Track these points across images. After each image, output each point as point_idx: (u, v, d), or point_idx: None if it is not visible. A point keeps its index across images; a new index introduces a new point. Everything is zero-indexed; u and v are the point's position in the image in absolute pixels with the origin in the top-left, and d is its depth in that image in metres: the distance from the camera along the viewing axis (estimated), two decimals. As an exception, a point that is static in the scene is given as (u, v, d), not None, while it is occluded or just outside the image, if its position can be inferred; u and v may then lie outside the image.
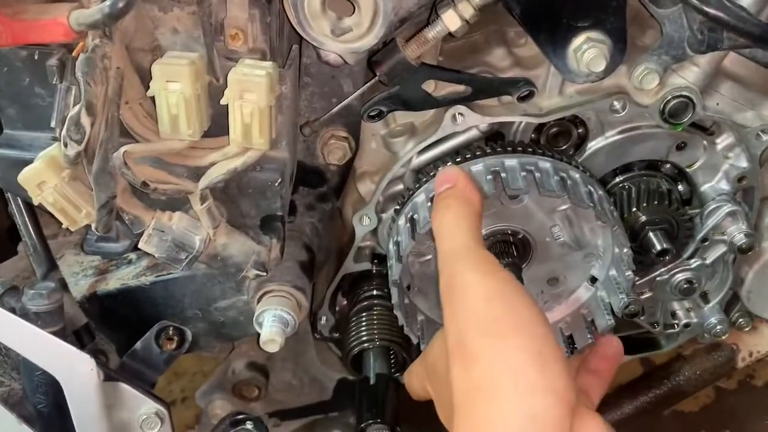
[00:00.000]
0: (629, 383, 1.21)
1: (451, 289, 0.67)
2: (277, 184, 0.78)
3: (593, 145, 0.93)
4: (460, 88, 0.85)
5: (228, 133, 0.72)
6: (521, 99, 0.87)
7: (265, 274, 0.81)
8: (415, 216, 0.86)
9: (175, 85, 0.68)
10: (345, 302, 1.08)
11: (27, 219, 0.84)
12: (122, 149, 0.67)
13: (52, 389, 0.80)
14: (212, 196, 0.77)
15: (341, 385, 1.16)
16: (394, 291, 0.89)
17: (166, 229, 0.74)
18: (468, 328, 0.63)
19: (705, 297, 1.05)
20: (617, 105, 0.89)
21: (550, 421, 0.57)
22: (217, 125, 0.74)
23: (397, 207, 0.93)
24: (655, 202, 0.94)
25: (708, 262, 1.00)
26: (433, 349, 0.75)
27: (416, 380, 0.80)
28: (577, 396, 0.60)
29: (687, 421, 1.74)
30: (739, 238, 0.94)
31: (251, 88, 0.68)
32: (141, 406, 0.82)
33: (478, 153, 0.85)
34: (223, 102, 0.70)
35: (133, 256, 0.93)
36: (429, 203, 0.85)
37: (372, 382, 0.92)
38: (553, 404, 0.58)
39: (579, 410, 0.60)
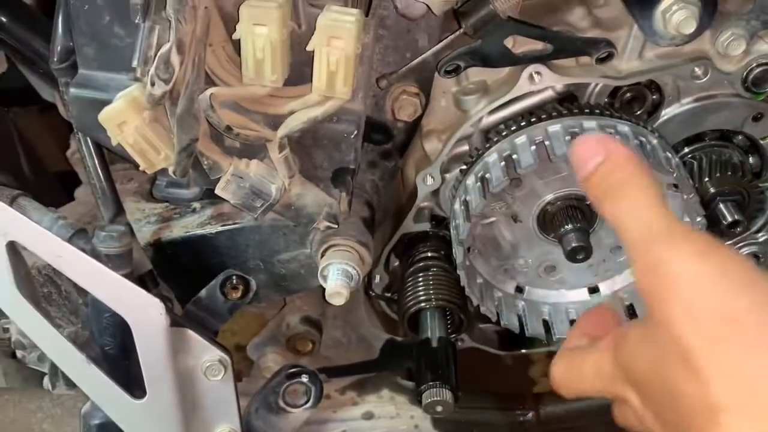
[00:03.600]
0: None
1: (656, 280, 0.51)
2: (352, 136, 0.78)
3: (668, 112, 0.91)
4: (539, 45, 0.83)
5: (306, 82, 0.71)
6: (600, 60, 0.85)
7: (336, 226, 0.81)
8: (487, 175, 0.85)
9: (262, 28, 0.67)
10: (397, 263, 1.08)
11: (97, 161, 0.84)
12: (209, 91, 0.66)
13: (120, 331, 0.81)
14: (288, 146, 0.76)
15: (388, 346, 1.16)
16: (459, 250, 0.88)
17: (244, 176, 0.73)
18: (689, 332, 0.48)
19: (767, 273, 1.03)
20: (698, 71, 0.87)
21: None
22: (296, 74, 0.73)
23: (463, 167, 0.92)
24: (728, 173, 0.92)
25: (776, 237, 0.98)
26: (627, 347, 0.56)
27: (597, 380, 0.60)
28: None
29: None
30: (812, 214, 0.93)
31: (340, 34, 0.67)
32: (205, 353, 0.82)
33: (554, 114, 0.84)
34: (309, 48, 0.68)
35: (197, 205, 0.93)
36: (502, 163, 0.83)
37: (435, 344, 0.91)
38: None
39: None
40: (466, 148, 0.95)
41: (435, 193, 0.98)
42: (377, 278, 1.06)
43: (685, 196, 0.85)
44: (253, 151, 0.77)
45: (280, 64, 0.69)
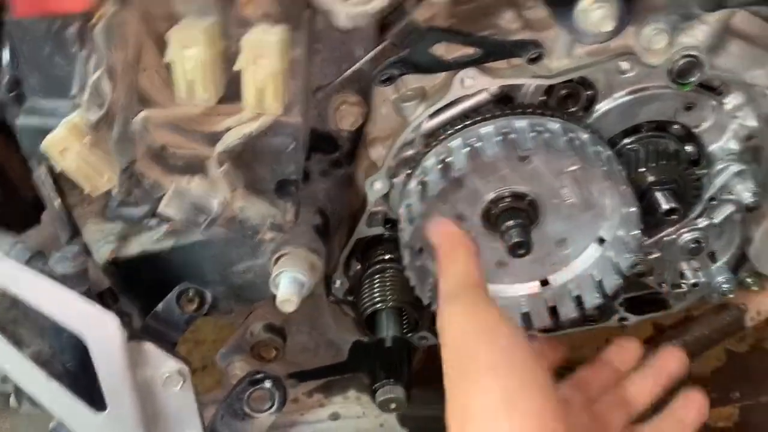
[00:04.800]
0: (639, 344, 1.23)
1: (440, 330, 0.70)
2: (290, 149, 0.80)
3: (602, 107, 0.93)
4: (470, 50, 0.86)
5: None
6: (531, 61, 0.88)
7: (281, 235, 0.83)
8: (426, 179, 0.87)
9: (191, 50, 0.70)
10: (359, 266, 1.11)
11: (51, 187, 0.87)
12: (142, 114, 0.69)
13: (81, 347, 0.83)
14: (229, 161, 0.79)
15: (356, 347, 1.19)
16: (405, 253, 0.91)
17: (185, 193, 0.76)
18: (448, 367, 0.66)
19: (713, 256, 1.06)
20: (625, 66, 0.89)
21: None
22: (232, 91, 0.76)
23: (409, 171, 0.95)
24: (663, 162, 0.94)
25: (716, 221, 1.01)
26: None
27: None
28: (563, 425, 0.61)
29: (697, 384, 1.76)
30: (747, 197, 0.95)
31: (265, 53, 0.70)
32: (163, 365, 0.85)
33: (487, 115, 0.87)
34: (236, 68, 0.71)
35: (153, 222, 0.95)
36: (439, 166, 0.86)
37: (389, 344, 0.94)
38: None
39: None
40: (411, 152, 0.97)
41: (386, 197, 1.01)
42: (337, 283, 1.09)
43: (620, 188, 0.88)
44: (196, 168, 0.80)
45: (211, 84, 0.72)
